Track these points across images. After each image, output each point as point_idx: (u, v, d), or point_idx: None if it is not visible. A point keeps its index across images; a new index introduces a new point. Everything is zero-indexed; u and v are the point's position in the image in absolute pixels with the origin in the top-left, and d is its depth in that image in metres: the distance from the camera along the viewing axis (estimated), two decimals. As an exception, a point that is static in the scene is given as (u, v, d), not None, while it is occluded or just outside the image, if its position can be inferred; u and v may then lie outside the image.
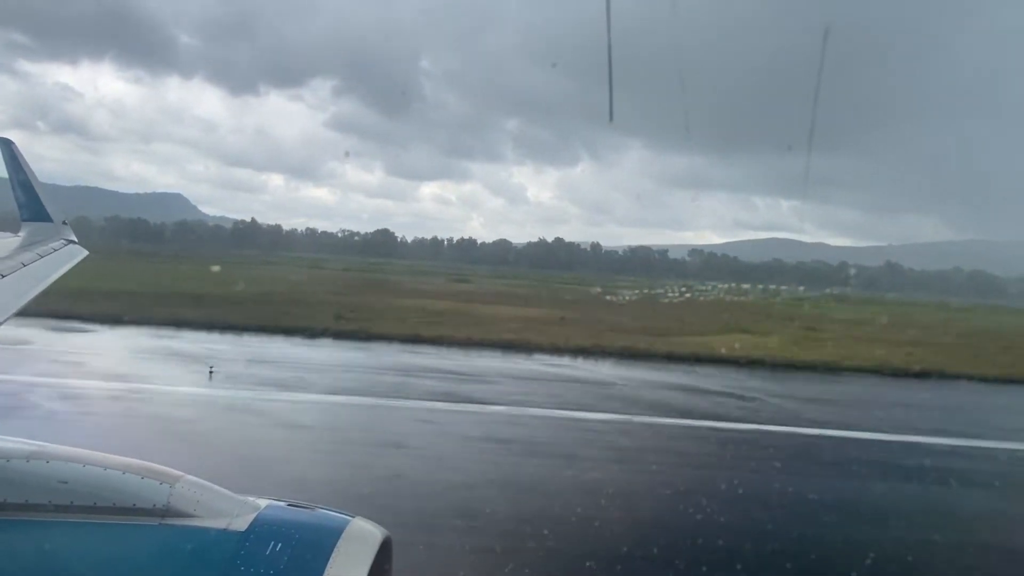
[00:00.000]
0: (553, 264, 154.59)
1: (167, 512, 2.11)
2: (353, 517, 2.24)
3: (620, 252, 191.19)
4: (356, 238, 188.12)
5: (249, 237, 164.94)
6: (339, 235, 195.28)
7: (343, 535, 2.12)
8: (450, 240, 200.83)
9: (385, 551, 2.18)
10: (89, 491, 2.12)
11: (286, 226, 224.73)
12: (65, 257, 4.88)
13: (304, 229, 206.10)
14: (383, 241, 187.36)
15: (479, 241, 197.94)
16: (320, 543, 2.09)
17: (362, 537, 2.16)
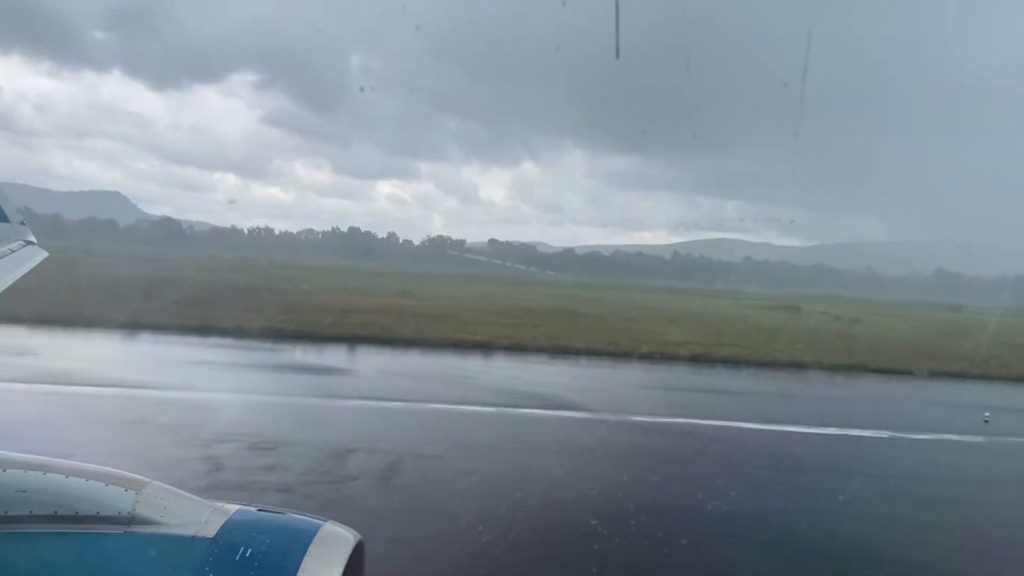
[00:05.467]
0: (353, 254, 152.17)
1: (133, 520, 2.00)
2: (325, 521, 2.17)
3: (416, 243, 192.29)
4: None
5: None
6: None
7: (314, 539, 2.06)
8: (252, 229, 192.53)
9: (358, 555, 2.13)
10: (49, 500, 1.97)
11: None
12: (23, 259, 4.51)
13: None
14: (169, 230, 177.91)
15: (277, 231, 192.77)
16: (291, 548, 2.01)
17: (334, 541, 2.10)
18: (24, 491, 1.97)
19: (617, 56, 2.83)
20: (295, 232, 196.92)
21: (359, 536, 2.17)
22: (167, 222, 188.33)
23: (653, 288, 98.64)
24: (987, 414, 20.09)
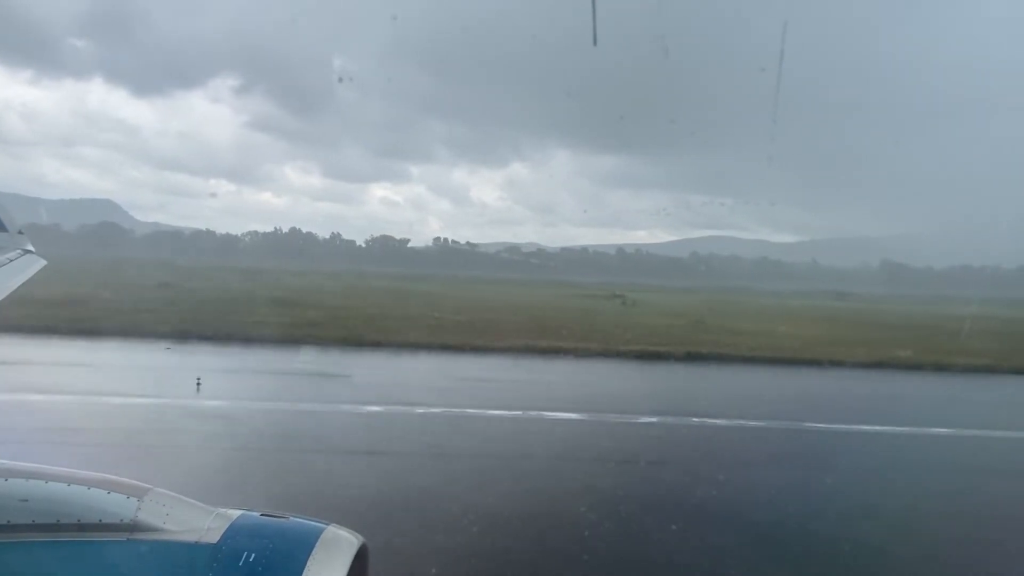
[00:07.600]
0: (289, 254, 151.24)
1: (135, 527, 1.96)
2: (328, 524, 2.16)
3: (359, 243, 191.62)
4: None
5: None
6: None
7: (318, 543, 2.04)
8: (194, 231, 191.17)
9: (361, 558, 2.12)
10: (52, 508, 1.93)
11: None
12: (22, 267, 4.44)
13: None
14: (109, 232, 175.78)
15: (218, 233, 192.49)
16: (294, 552, 2.01)
17: (337, 544, 2.09)
18: (26, 500, 1.96)
19: (595, 43, 2.72)
20: (238, 234, 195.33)
21: (362, 539, 2.16)
22: (106, 225, 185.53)
23: (539, 282, 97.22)
24: (199, 378, 18.14)
